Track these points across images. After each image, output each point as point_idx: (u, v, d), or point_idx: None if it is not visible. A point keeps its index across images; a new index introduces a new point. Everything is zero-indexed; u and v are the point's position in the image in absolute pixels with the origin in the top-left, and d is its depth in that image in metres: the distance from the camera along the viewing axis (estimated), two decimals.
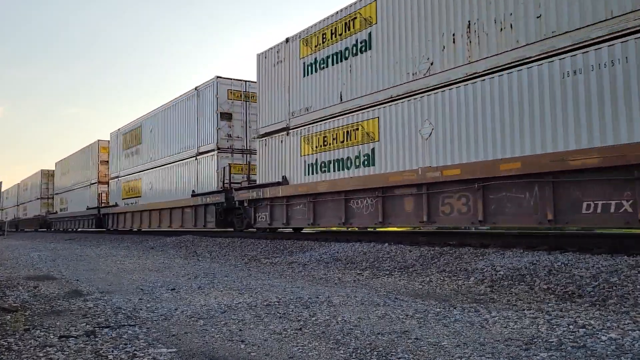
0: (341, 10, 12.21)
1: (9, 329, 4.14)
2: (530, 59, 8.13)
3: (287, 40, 14.10)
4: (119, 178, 27.30)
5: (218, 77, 18.28)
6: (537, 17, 8.07)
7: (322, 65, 12.73)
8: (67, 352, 3.45)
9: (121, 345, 3.62)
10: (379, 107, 11.00)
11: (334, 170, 12.07)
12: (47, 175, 44.83)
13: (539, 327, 4.00)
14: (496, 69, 8.65)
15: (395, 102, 10.56)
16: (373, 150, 11.05)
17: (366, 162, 11.22)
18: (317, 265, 8.91)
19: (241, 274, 8.11)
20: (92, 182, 31.48)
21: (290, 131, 13.72)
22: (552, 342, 3.54)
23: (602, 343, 3.48)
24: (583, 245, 7.49)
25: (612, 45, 7.14)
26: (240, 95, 18.65)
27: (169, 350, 3.54)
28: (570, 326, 3.98)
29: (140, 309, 5.03)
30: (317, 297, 5.52)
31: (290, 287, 6.48)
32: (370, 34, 11.28)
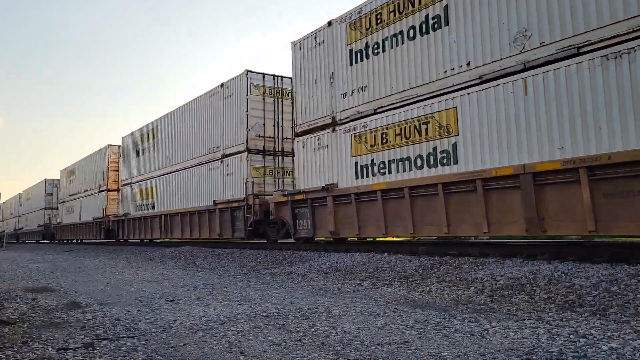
0: None
1: (6, 341, 4.12)
2: None
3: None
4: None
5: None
6: None
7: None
8: None
9: (120, 358, 3.60)
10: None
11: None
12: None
13: (540, 337, 3.98)
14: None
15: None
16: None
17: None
18: (316, 275, 8.89)
19: (240, 284, 8.09)
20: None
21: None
22: (553, 352, 3.52)
23: (603, 353, 3.47)
24: (583, 254, 7.48)
25: None
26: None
27: None
28: (571, 336, 3.97)
29: (139, 321, 5.01)
30: (317, 308, 5.51)
31: (290, 297, 6.45)
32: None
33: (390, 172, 10.69)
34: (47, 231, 43.68)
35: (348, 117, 11.93)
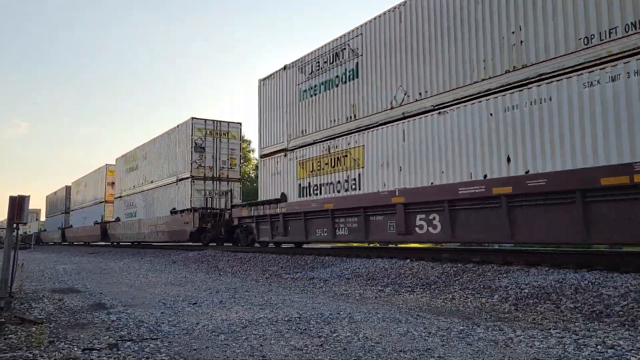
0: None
1: (34, 340, 4.20)
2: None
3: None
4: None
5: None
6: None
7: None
8: None
9: (143, 359, 3.64)
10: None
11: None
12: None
13: (566, 347, 3.90)
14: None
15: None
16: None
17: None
18: (338, 281, 8.87)
19: (262, 289, 8.11)
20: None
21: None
22: None
23: None
24: (610, 263, 7.31)
25: None
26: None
27: None
28: (599, 347, 3.88)
29: (163, 323, 5.06)
30: (339, 313, 5.49)
31: (311, 302, 6.45)
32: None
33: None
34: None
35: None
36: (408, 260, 9.51)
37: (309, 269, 10.75)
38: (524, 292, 6.29)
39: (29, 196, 5.71)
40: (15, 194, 5.66)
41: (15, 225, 5.77)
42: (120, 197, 31.74)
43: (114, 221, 32.09)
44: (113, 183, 34.23)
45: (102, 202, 34.86)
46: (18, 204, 5.62)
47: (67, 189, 45.22)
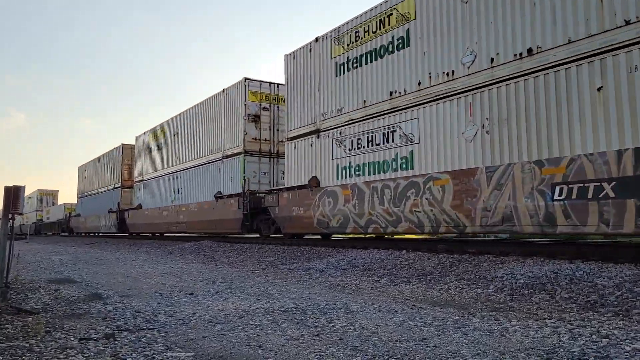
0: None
1: (30, 330, 4.20)
2: None
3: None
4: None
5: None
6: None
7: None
8: (87, 355, 3.48)
9: (140, 349, 3.65)
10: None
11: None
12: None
13: (561, 336, 3.93)
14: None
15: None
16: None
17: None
18: (334, 271, 8.89)
19: (258, 279, 8.13)
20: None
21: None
22: (575, 352, 3.47)
23: (626, 353, 3.41)
24: (605, 254, 7.36)
25: None
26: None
27: (187, 354, 3.55)
28: (593, 336, 3.90)
29: (159, 313, 5.07)
30: (335, 304, 5.51)
31: (308, 293, 6.47)
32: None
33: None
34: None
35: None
36: (404, 251, 9.54)
37: (305, 259, 10.77)
38: (519, 283, 6.32)
39: (24, 186, 5.68)
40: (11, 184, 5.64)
41: (11, 216, 5.75)
42: (329, 130, 13.77)
43: (299, 187, 13.85)
44: (257, 117, 17.71)
45: (240, 153, 17.47)
46: (13, 194, 5.60)
47: (125, 150, 29.88)
